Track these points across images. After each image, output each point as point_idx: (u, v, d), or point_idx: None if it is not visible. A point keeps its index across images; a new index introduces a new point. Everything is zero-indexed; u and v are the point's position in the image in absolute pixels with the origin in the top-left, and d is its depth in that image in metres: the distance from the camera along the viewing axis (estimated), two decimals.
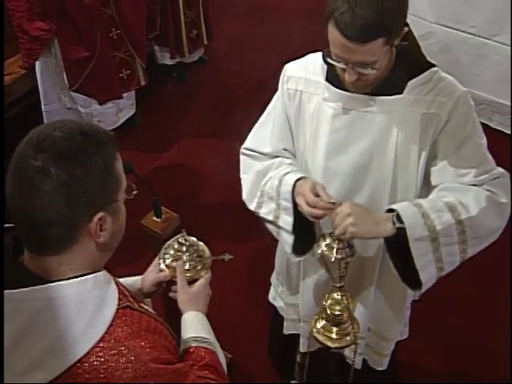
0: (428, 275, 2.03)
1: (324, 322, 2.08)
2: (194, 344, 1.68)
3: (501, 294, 3.53)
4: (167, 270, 1.88)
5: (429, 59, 2.11)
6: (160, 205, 2.45)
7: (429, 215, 1.97)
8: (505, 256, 3.50)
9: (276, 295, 2.64)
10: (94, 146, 1.35)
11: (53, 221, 1.31)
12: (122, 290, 1.51)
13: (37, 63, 3.99)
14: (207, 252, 1.93)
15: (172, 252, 1.91)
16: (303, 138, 2.21)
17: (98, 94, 4.14)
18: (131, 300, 1.49)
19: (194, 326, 1.74)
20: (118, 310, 1.42)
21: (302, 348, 2.58)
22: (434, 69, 2.06)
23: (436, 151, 2.05)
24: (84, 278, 1.39)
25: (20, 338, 1.35)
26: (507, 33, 4.10)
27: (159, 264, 1.91)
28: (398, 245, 2.00)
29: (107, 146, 1.38)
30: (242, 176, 2.33)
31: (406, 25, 1.98)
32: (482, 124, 4.66)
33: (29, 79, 4.09)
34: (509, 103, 4.31)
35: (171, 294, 1.88)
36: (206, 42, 4.87)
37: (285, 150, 2.29)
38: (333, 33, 1.85)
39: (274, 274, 2.64)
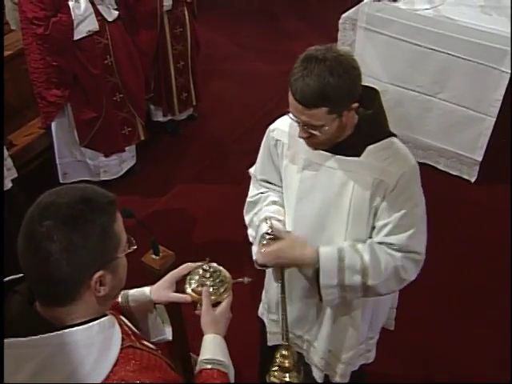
0: (329, 302, 2.17)
1: (277, 372, 2.19)
2: (208, 366, 1.65)
3: (474, 308, 3.54)
4: (193, 294, 1.84)
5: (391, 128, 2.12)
6: (157, 244, 2.44)
7: (344, 271, 2.06)
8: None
9: (263, 310, 2.63)
10: (94, 212, 1.33)
11: (57, 280, 1.30)
12: (126, 330, 1.49)
13: (52, 124, 4.05)
14: (228, 276, 1.89)
15: (197, 278, 1.87)
16: (283, 180, 2.27)
17: (104, 149, 4.19)
18: (133, 339, 1.48)
19: (212, 348, 1.70)
20: (121, 350, 1.40)
21: None
22: (393, 139, 2.08)
23: (379, 213, 2.08)
24: (90, 324, 1.37)
25: (35, 375, 1.33)
26: (447, 91, 4.22)
27: (186, 288, 1.85)
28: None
29: (107, 210, 1.37)
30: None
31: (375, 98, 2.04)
32: (431, 166, 4.83)
33: (46, 138, 4.14)
34: (452, 149, 4.40)
35: (197, 312, 1.83)
36: (194, 103, 4.90)
37: (266, 181, 2.35)
38: (289, 94, 1.92)
39: (263, 292, 2.63)
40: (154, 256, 2.46)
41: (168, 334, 1.90)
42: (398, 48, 4.27)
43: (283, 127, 2.21)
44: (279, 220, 2.25)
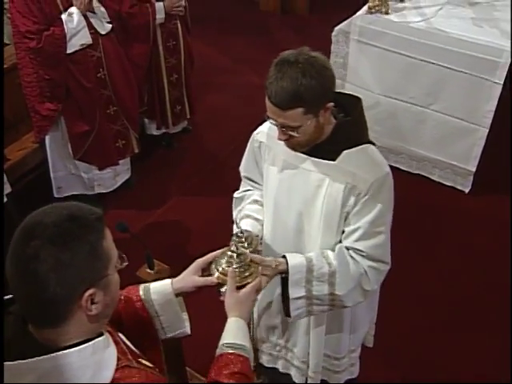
0: (297, 317, 2.19)
1: None
2: (230, 350, 1.65)
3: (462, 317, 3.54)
4: (221, 276, 1.88)
5: (372, 136, 2.16)
6: (152, 258, 2.43)
7: (311, 282, 2.09)
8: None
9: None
10: (82, 230, 1.31)
11: (46, 301, 1.28)
12: (122, 348, 1.47)
13: (46, 137, 4.03)
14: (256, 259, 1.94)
15: (224, 260, 1.91)
16: (264, 181, 2.33)
17: (98, 162, 4.17)
18: (130, 358, 1.45)
19: (234, 332, 1.70)
20: (116, 370, 1.38)
21: (260, 359, 2.66)
22: (370, 146, 2.11)
23: (350, 217, 2.11)
24: (84, 345, 1.34)
25: None
26: (440, 103, 4.24)
27: (213, 271, 1.91)
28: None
29: (95, 227, 1.34)
30: None
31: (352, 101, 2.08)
32: (425, 178, 4.84)
33: (40, 152, 4.13)
34: (446, 159, 4.42)
35: (221, 299, 1.87)
36: (188, 116, 4.90)
37: (249, 178, 2.43)
38: (266, 98, 1.96)
39: None
40: (148, 270, 2.44)
41: (187, 327, 1.91)
42: (390, 60, 4.29)
43: (267, 130, 2.28)
44: (257, 219, 2.33)
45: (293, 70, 1.90)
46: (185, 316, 1.91)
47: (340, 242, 2.16)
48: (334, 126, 2.08)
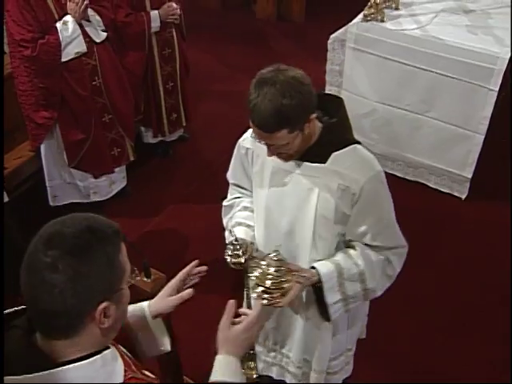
0: (334, 311, 2.25)
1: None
2: None
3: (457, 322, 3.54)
4: (256, 280, 1.99)
5: (357, 135, 2.20)
6: (149, 267, 2.42)
7: (344, 284, 2.17)
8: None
9: None
10: (100, 242, 1.30)
11: (60, 312, 1.27)
12: (127, 361, 1.47)
13: (42, 146, 4.02)
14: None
15: (262, 265, 2.03)
16: (253, 187, 2.33)
17: (94, 170, 4.16)
18: (134, 369, 1.45)
19: (222, 370, 1.62)
20: (124, 381, 1.38)
21: (260, 371, 2.64)
22: (357, 146, 2.13)
23: (353, 219, 2.14)
24: (93, 358, 1.34)
25: None
26: (435, 110, 4.25)
27: (251, 271, 2.02)
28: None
29: (112, 241, 1.34)
30: None
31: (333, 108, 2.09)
32: (421, 184, 4.85)
33: (36, 161, 4.11)
34: (442, 166, 4.43)
35: (264, 302, 1.97)
36: (184, 124, 4.89)
37: (237, 185, 2.44)
38: (249, 120, 1.97)
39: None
40: (145, 279, 2.43)
41: (167, 345, 1.87)
42: (386, 67, 4.30)
43: (252, 136, 2.27)
44: (249, 226, 2.34)
45: (272, 92, 1.89)
46: (163, 336, 1.87)
47: (345, 242, 2.22)
48: (320, 130, 2.08)
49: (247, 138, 2.31)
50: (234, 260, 2.07)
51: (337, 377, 2.60)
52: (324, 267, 2.16)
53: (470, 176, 4.35)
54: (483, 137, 4.16)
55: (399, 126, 4.43)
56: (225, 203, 2.49)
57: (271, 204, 2.23)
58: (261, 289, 2.00)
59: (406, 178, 4.61)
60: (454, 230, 4.20)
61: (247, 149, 2.30)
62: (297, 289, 2.08)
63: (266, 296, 2.03)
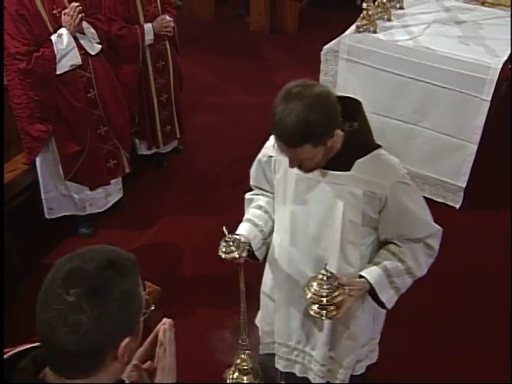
0: (391, 303, 2.34)
1: (237, 373, 2.36)
2: None
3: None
4: (313, 296, 2.11)
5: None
6: (143, 280, 2.40)
7: (394, 282, 2.26)
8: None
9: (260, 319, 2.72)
10: (122, 277, 1.26)
11: (85, 351, 1.21)
12: None
13: (37, 158, 4.01)
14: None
15: (316, 282, 2.12)
16: (276, 194, 2.35)
17: (89, 182, 4.15)
18: None
19: None
20: None
21: (277, 364, 2.65)
22: (380, 151, 2.15)
23: (384, 223, 2.18)
24: None
25: None
26: (429, 120, 4.27)
27: (306, 291, 2.12)
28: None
29: (132, 274, 1.30)
30: None
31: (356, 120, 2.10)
32: None
33: (31, 173, 4.10)
34: (436, 176, 4.45)
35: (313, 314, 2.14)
36: (178, 135, 4.90)
37: (258, 187, 2.46)
38: (274, 134, 1.98)
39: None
40: None
41: None
42: (379, 78, 4.32)
43: (275, 144, 2.26)
44: (256, 224, 2.37)
45: (299, 106, 1.88)
46: None
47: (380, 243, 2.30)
48: (343, 139, 2.07)
49: (270, 146, 2.31)
50: (227, 256, 2.12)
51: (361, 364, 2.62)
52: (372, 275, 2.21)
53: (463, 185, 4.37)
54: (476, 146, 4.18)
55: (393, 137, 4.42)
56: (247, 196, 2.53)
57: (297, 210, 2.24)
58: (316, 306, 2.13)
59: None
60: (449, 240, 4.18)
61: (269, 157, 2.31)
62: (350, 301, 2.17)
63: (322, 312, 2.16)
